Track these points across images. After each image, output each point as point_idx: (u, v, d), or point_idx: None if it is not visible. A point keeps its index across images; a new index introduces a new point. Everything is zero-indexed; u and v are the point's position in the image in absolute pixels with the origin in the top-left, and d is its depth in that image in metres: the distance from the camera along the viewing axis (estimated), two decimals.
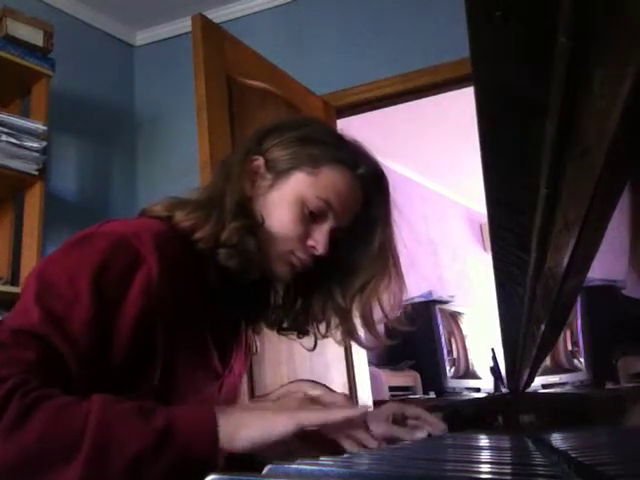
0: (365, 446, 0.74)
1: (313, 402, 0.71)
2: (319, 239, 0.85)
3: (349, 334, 0.92)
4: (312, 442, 0.69)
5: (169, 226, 0.81)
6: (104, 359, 0.68)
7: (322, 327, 0.95)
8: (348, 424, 0.72)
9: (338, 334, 0.94)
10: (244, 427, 0.62)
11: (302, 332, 0.96)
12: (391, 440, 0.81)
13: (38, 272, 0.71)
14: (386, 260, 0.90)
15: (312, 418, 0.65)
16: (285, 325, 0.96)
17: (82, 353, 0.65)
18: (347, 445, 0.73)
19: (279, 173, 0.86)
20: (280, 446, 0.64)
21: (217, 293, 0.86)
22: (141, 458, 0.57)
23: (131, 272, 0.71)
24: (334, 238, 0.87)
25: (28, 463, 0.55)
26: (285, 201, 0.85)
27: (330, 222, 0.85)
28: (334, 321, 0.93)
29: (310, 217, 0.85)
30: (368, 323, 0.90)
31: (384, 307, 0.90)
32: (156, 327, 0.73)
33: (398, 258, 0.91)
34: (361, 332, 0.93)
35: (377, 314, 0.91)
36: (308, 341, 0.98)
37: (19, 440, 0.55)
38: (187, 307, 0.79)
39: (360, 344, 0.97)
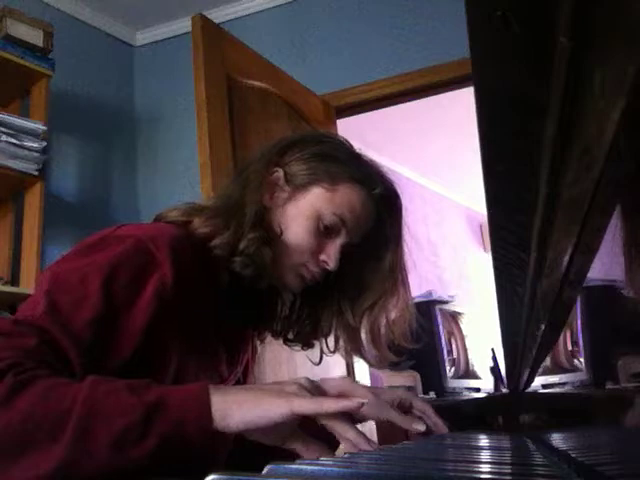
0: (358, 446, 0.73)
1: (315, 388, 0.68)
2: (331, 254, 0.86)
3: (357, 352, 0.94)
4: (309, 431, 0.67)
5: (185, 231, 0.82)
6: (110, 360, 0.68)
7: (330, 342, 0.96)
8: (344, 416, 0.69)
9: (344, 349, 0.95)
10: (238, 406, 0.60)
11: (306, 345, 0.97)
12: (386, 424, 0.81)
13: (52, 270, 0.71)
14: (395, 279, 0.92)
15: (305, 406, 0.62)
16: (290, 337, 0.98)
17: (84, 350, 0.65)
18: (342, 444, 0.70)
19: (297, 187, 0.87)
20: (273, 431, 0.62)
21: (228, 299, 0.87)
22: (127, 433, 0.54)
23: (144, 276, 0.71)
24: (344, 253, 0.88)
25: (13, 440, 0.54)
26: (302, 214, 0.86)
27: (342, 238, 0.87)
28: (342, 338, 0.94)
29: (324, 232, 0.86)
30: (376, 341, 0.92)
31: (391, 325, 0.92)
32: (167, 332, 0.73)
33: (407, 277, 0.93)
34: (368, 349, 0.94)
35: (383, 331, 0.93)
36: (314, 354, 0.99)
37: (6, 416, 0.54)
38: (199, 312, 0.79)
39: (368, 362, 0.98)
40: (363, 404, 0.64)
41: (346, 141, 0.96)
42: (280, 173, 0.88)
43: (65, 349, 0.63)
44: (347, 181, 0.87)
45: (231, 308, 0.88)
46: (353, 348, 0.93)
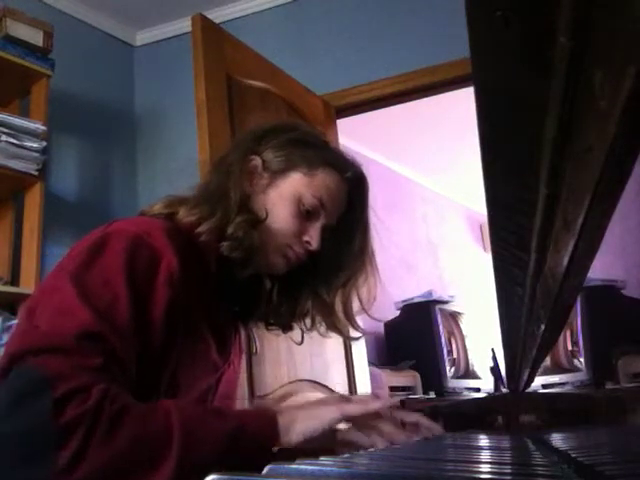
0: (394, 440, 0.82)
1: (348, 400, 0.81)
2: (313, 235, 0.91)
3: (333, 326, 0.99)
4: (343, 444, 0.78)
5: (172, 223, 0.85)
6: (144, 350, 0.72)
7: (307, 322, 1.01)
8: (381, 416, 0.81)
9: (322, 328, 1.01)
10: (297, 422, 0.72)
11: (286, 327, 1.02)
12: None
13: (72, 281, 0.71)
14: (364, 258, 0.97)
15: (354, 408, 0.76)
16: (271, 321, 1.02)
17: (131, 349, 0.69)
18: (378, 442, 0.80)
19: (276, 172, 0.92)
20: (325, 438, 0.73)
21: (216, 287, 0.89)
22: (223, 454, 0.64)
23: (155, 266, 0.75)
24: (323, 236, 0.93)
25: (121, 468, 0.58)
26: (284, 198, 0.91)
27: (322, 220, 0.92)
28: (318, 316, 0.99)
29: (305, 214, 0.91)
30: (349, 315, 0.98)
31: (362, 300, 0.98)
32: (179, 316, 0.76)
33: (374, 255, 0.99)
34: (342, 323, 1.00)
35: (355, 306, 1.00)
36: (297, 336, 1.05)
37: (111, 447, 0.58)
38: (194, 301, 0.82)
39: (343, 335, 1.03)
40: (398, 401, 0.73)
41: (314, 129, 1.02)
42: (258, 161, 0.92)
43: (120, 354, 0.67)
44: (323, 165, 0.93)
45: (220, 298, 0.91)
46: (329, 324, 0.99)
